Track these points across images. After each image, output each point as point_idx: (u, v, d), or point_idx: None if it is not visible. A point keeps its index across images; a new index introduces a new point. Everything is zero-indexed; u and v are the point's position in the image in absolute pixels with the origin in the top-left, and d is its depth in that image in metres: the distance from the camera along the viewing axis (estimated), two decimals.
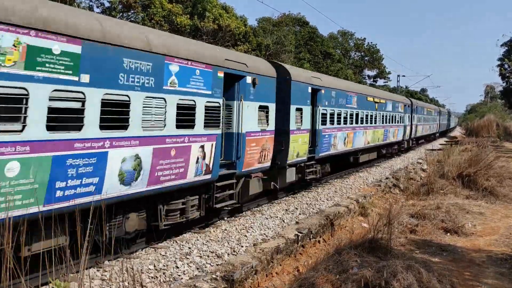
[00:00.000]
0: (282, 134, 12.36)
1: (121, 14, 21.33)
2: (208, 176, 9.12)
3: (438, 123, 49.73)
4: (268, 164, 11.75)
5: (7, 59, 5.28)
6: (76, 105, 6.24)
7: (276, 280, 7.93)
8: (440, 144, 39.23)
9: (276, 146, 12.03)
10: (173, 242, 8.39)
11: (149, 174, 7.48)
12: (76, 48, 6.18)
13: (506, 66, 43.48)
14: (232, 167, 10.23)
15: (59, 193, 6.01)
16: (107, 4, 22.52)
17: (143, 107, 7.32)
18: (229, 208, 10.61)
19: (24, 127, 5.49)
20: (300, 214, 11.55)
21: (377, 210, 13.56)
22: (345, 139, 17.82)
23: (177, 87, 8.09)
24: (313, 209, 12.23)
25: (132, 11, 21.71)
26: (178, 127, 8.10)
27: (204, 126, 8.86)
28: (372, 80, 63.30)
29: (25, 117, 5.49)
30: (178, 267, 7.15)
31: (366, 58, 60.67)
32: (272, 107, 11.80)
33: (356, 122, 19.22)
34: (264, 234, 9.42)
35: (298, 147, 13.25)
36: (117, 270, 6.67)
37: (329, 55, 44.94)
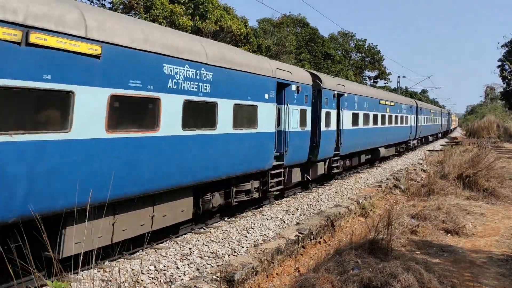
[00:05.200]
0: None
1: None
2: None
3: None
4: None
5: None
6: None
7: (276, 281, 7.93)
8: (441, 145, 39.23)
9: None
10: (173, 243, 8.39)
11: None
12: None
13: (506, 67, 43.45)
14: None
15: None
16: (108, 5, 22.55)
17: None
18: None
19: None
20: (300, 215, 11.54)
21: (377, 211, 13.55)
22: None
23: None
24: (313, 209, 12.23)
25: (132, 12, 21.72)
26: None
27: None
28: (372, 81, 63.31)
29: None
30: (178, 268, 7.15)
31: (366, 59, 60.69)
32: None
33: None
34: (265, 234, 9.42)
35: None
36: (118, 271, 6.67)
37: (329, 56, 44.98)
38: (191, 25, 22.34)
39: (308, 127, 14.00)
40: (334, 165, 16.86)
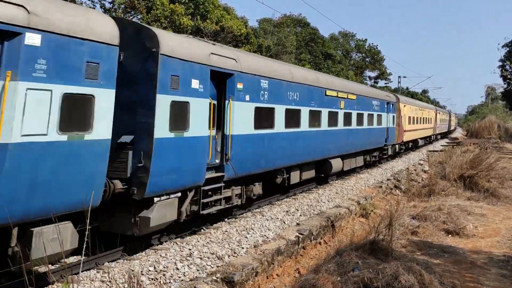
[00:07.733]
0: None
1: (123, 14, 21.28)
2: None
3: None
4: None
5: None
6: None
7: (276, 282, 7.91)
8: (442, 146, 39.19)
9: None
10: (173, 243, 8.37)
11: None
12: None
13: (507, 67, 43.39)
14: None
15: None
16: (108, 5, 22.50)
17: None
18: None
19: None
20: (301, 215, 11.52)
21: (378, 211, 13.52)
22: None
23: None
24: (314, 210, 12.20)
25: (132, 12, 21.68)
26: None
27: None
28: (373, 81, 63.28)
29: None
30: (178, 269, 7.12)
31: (367, 59, 60.66)
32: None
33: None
34: (265, 235, 9.39)
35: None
36: (117, 272, 6.65)
37: (330, 56, 44.96)
38: (192, 25, 22.33)
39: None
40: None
